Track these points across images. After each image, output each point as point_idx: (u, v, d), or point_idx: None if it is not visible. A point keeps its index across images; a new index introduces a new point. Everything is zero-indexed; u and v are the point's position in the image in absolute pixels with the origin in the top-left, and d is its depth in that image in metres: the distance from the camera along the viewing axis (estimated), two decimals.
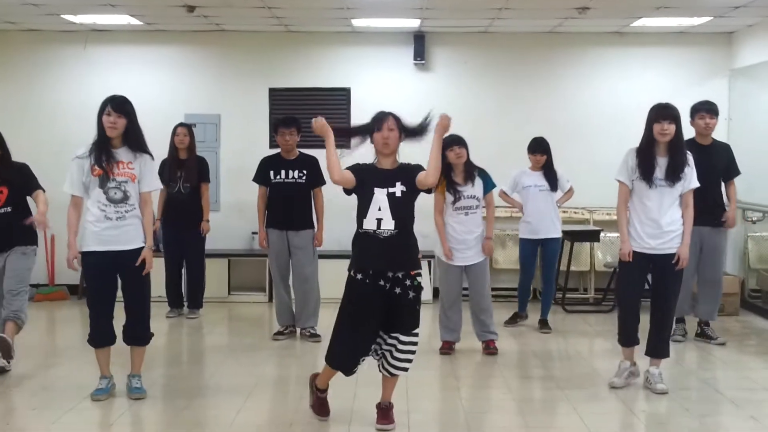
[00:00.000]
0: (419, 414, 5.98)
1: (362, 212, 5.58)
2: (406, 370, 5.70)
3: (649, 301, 6.67)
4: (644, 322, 6.67)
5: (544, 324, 8.85)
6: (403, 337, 5.59)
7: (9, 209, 6.89)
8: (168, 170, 9.01)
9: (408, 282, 5.57)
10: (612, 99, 10.56)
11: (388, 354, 5.64)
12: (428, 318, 9.40)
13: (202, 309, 9.50)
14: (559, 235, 8.86)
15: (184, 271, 9.47)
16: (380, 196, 5.52)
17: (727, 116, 10.52)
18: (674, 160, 6.40)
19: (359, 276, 5.54)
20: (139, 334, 6.26)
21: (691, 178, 6.46)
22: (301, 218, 8.25)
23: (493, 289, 9.94)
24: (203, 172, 9.33)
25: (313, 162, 8.31)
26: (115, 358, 6.38)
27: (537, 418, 6.08)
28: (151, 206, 6.24)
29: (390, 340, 5.61)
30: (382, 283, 5.52)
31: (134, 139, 6.07)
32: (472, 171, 7.67)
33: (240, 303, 10.35)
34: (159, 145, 8.98)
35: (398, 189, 5.55)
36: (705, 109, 7.92)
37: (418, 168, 5.63)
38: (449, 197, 7.62)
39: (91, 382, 6.36)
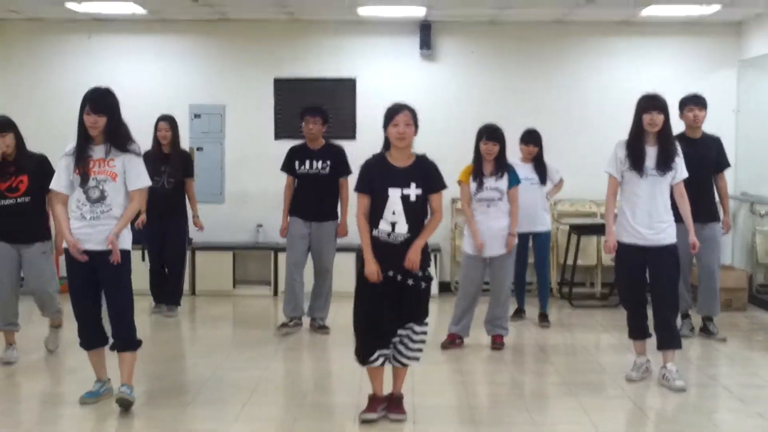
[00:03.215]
0: (425, 409, 5.94)
1: (376, 213, 5.53)
2: (418, 359, 5.71)
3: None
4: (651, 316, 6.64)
5: (543, 318, 8.82)
6: (416, 327, 5.62)
7: (28, 199, 6.84)
8: (152, 165, 8.80)
9: (420, 272, 5.56)
10: (620, 89, 10.44)
11: (401, 345, 5.63)
12: (434, 311, 9.32)
13: (179, 307, 9.24)
14: (548, 228, 8.83)
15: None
16: (394, 198, 5.47)
17: (736, 107, 10.44)
18: (664, 150, 6.44)
19: None
20: (122, 338, 5.89)
21: (681, 169, 6.50)
22: (325, 209, 8.19)
23: None
24: (188, 166, 9.11)
25: (339, 152, 8.24)
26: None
27: (543, 413, 6.05)
28: (138, 203, 5.91)
29: (403, 331, 5.61)
30: (391, 274, 5.51)
31: (115, 137, 5.79)
32: (502, 166, 7.57)
33: (245, 296, 10.30)
34: None
35: (413, 191, 5.50)
36: (693, 102, 7.88)
37: (434, 176, 5.60)
38: (472, 186, 7.56)
39: (89, 383, 6.21)
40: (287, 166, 8.30)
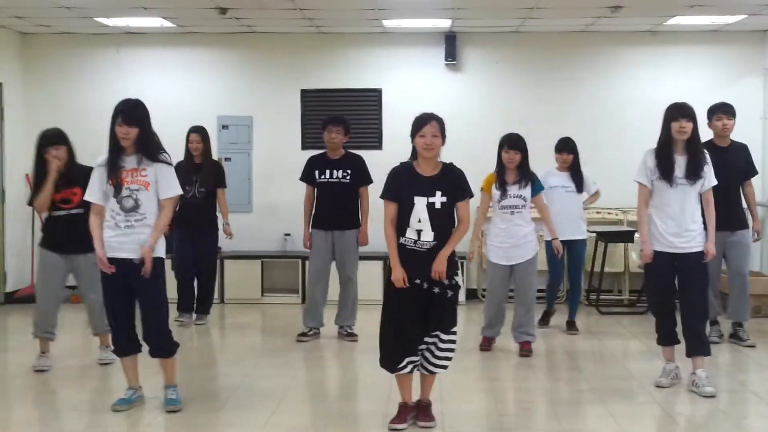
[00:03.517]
0: (453, 416, 5.96)
1: (402, 221, 5.57)
2: (445, 367, 5.74)
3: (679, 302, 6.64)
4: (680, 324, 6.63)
5: (571, 325, 8.83)
6: (443, 336, 5.64)
7: (81, 210, 6.80)
8: (183, 175, 8.91)
9: (446, 281, 5.60)
10: (645, 98, 10.47)
11: (428, 353, 5.67)
12: (461, 319, 9.33)
13: (209, 315, 9.34)
14: (585, 236, 8.84)
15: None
16: (420, 206, 5.51)
17: (763, 115, 10.42)
18: (693, 158, 6.44)
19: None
20: (159, 345, 6.03)
21: (710, 177, 6.50)
22: (346, 218, 8.24)
23: None
24: (219, 177, 9.18)
25: (359, 161, 8.30)
26: (151, 368, 6.33)
27: (571, 420, 6.03)
28: (170, 211, 6.02)
29: (430, 339, 5.64)
30: (418, 282, 5.55)
31: (147, 147, 5.90)
32: (525, 174, 7.63)
33: (273, 305, 10.36)
34: None
35: (438, 200, 5.53)
36: (722, 111, 7.91)
37: (461, 183, 5.64)
38: (496, 194, 7.62)
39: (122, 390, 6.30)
40: (307, 176, 8.35)
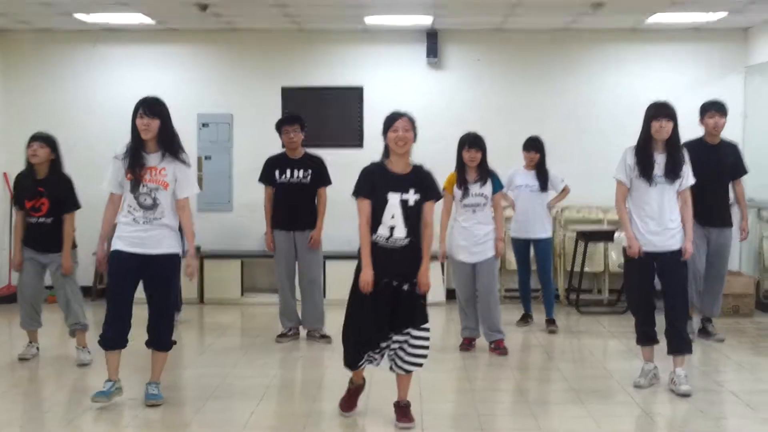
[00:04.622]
0: (432, 416, 5.95)
1: (375, 218, 5.59)
2: (420, 365, 5.74)
3: (662, 301, 6.64)
4: (660, 322, 6.64)
5: (550, 323, 8.85)
6: (414, 332, 5.65)
7: (50, 220, 7.25)
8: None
9: (415, 279, 5.62)
10: (626, 95, 10.47)
11: (401, 351, 5.68)
12: (441, 318, 9.42)
13: (181, 313, 9.23)
14: (549, 235, 8.89)
15: None
16: (394, 201, 5.55)
17: (743, 113, 10.44)
18: (672, 157, 6.46)
19: None
20: (161, 339, 6.18)
21: (688, 176, 6.53)
22: (307, 218, 8.20)
23: (506, 290, 9.98)
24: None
25: (319, 162, 8.27)
26: (134, 361, 6.37)
27: (550, 420, 6.03)
28: (189, 212, 6.14)
29: (401, 337, 5.65)
30: (387, 281, 5.58)
31: (168, 143, 6.00)
32: (485, 173, 7.69)
33: (253, 304, 10.32)
34: None
35: (411, 197, 5.58)
36: (715, 109, 7.96)
37: (431, 184, 5.70)
38: (458, 193, 7.67)
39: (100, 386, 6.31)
40: (266, 177, 8.31)
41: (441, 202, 7.58)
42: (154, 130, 5.94)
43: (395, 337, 5.64)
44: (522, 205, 8.72)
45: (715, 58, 10.68)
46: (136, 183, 5.93)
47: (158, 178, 5.95)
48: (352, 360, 5.72)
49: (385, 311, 5.58)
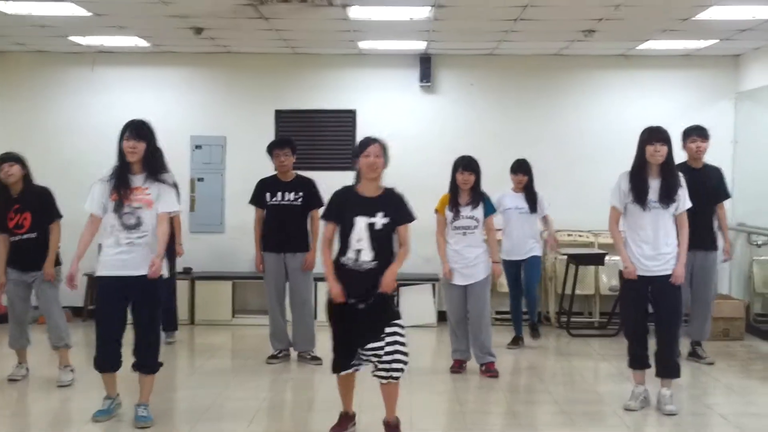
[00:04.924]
0: None
1: (342, 241, 5.67)
2: (397, 370, 5.67)
3: (653, 324, 6.66)
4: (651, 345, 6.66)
5: (533, 329, 9.01)
6: (388, 329, 5.65)
7: (34, 235, 7.23)
8: None
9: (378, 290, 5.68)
10: (617, 121, 10.54)
11: (375, 358, 5.65)
12: (432, 341, 9.43)
13: (177, 331, 9.34)
14: (539, 253, 9.00)
15: None
16: (360, 226, 5.62)
17: (733, 139, 10.52)
18: (667, 182, 6.47)
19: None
20: (146, 362, 6.17)
21: (684, 199, 6.53)
22: (297, 240, 8.21)
23: (497, 312, 9.99)
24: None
25: (310, 184, 8.30)
26: (123, 383, 6.36)
27: None
28: (167, 225, 6.14)
29: (376, 344, 5.63)
30: (353, 302, 5.65)
31: (153, 164, 6.08)
32: (478, 196, 7.72)
33: (244, 326, 10.30)
34: None
35: (379, 221, 5.64)
36: (696, 133, 8.05)
37: (402, 207, 5.77)
38: (449, 215, 7.70)
39: (95, 405, 6.33)
40: (257, 199, 8.35)
41: (435, 224, 7.75)
42: (140, 153, 6.01)
43: (371, 345, 5.63)
44: (512, 227, 8.81)
45: (705, 84, 10.76)
46: (120, 203, 5.97)
47: (142, 197, 6.01)
48: (340, 366, 5.76)
49: (357, 329, 5.63)
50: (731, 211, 9.84)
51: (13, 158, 7.28)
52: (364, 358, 5.67)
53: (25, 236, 7.22)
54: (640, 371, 6.76)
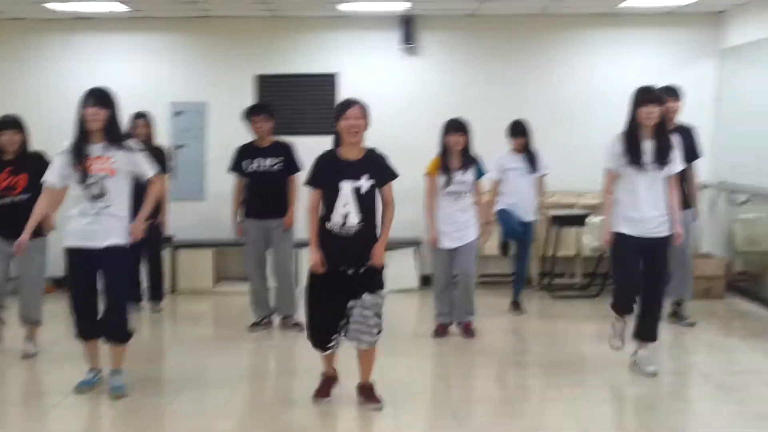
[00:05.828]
0: (406, 403, 5.95)
1: (328, 206, 5.63)
2: (372, 335, 5.68)
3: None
4: None
5: (516, 306, 8.91)
6: (368, 297, 5.65)
7: (26, 197, 6.92)
8: None
9: (369, 262, 5.67)
10: (600, 80, 10.49)
11: (352, 322, 5.64)
12: (415, 305, 9.43)
13: (164, 301, 9.33)
14: (534, 218, 8.97)
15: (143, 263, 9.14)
16: (346, 190, 5.58)
17: (716, 97, 10.47)
18: (661, 143, 6.41)
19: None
20: (116, 331, 6.09)
21: (676, 161, 6.48)
22: (278, 206, 8.15)
23: (482, 275, 9.98)
24: (162, 163, 8.86)
25: (288, 148, 8.23)
26: (105, 357, 6.30)
27: (525, 405, 6.08)
28: (158, 188, 6.17)
29: (354, 302, 5.64)
30: (343, 269, 5.63)
31: (113, 133, 5.98)
32: (469, 158, 7.66)
33: (226, 294, 10.24)
34: None
35: (364, 184, 5.61)
36: (666, 93, 7.90)
37: (385, 167, 5.75)
38: (441, 180, 7.62)
39: (76, 377, 6.29)
40: (236, 166, 8.29)
41: (425, 187, 7.69)
42: (102, 120, 5.92)
43: (350, 303, 5.63)
44: (513, 188, 8.66)
45: (688, 41, 10.67)
46: (83, 174, 5.89)
47: (104, 166, 5.91)
48: (321, 343, 5.77)
49: (341, 298, 5.62)
50: (713, 169, 9.85)
51: (17, 125, 7.11)
52: (343, 324, 5.67)
53: (15, 199, 6.97)
54: (621, 318, 6.66)
